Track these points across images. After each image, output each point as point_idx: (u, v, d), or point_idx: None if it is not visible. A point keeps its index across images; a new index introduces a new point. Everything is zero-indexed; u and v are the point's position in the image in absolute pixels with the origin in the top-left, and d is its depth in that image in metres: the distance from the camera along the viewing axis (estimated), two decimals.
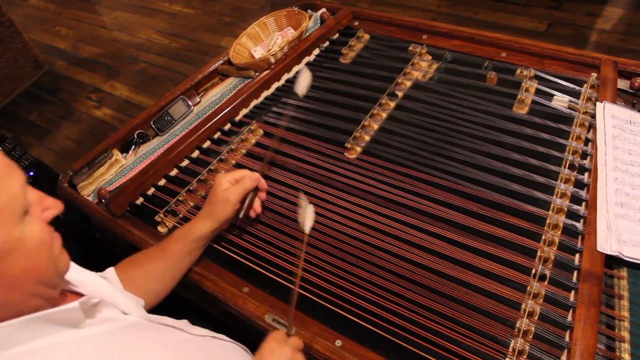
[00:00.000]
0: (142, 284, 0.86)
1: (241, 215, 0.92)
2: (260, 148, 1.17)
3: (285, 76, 1.36)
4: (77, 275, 0.68)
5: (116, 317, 0.67)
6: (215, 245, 0.97)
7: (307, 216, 0.87)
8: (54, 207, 0.59)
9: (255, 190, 0.95)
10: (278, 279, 0.90)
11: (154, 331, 0.69)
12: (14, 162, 0.55)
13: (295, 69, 1.37)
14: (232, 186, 0.91)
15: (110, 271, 0.86)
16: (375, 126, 1.14)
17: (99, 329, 0.62)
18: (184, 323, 0.77)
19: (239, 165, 1.14)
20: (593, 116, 1.02)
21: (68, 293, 0.67)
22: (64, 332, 0.58)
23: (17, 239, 0.52)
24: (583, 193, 0.91)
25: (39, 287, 0.56)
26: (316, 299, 0.85)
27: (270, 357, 0.73)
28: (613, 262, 0.82)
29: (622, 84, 1.08)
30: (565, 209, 0.90)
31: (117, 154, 1.25)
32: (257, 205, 0.96)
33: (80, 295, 0.66)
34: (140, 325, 0.69)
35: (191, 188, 1.10)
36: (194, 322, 0.78)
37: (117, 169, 1.23)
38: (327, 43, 1.43)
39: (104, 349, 0.60)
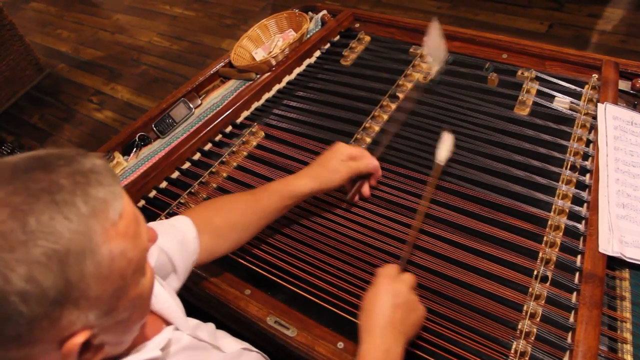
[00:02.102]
0: (224, 234, 0.83)
1: (349, 197, 0.91)
2: (261, 150, 1.17)
3: (287, 78, 1.36)
4: None
5: (176, 339, 0.65)
6: None
7: (445, 146, 0.87)
8: (153, 239, 0.57)
9: (368, 176, 0.93)
10: (280, 282, 0.90)
11: (203, 353, 0.68)
12: (137, 209, 0.52)
13: (297, 71, 1.37)
14: (349, 160, 0.88)
15: (183, 221, 0.81)
16: (377, 128, 1.14)
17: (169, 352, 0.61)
18: (212, 330, 0.75)
19: (240, 168, 1.14)
20: (594, 117, 1.02)
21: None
22: None
23: (139, 295, 0.51)
24: (585, 194, 0.91)
25: (140, 323, 0.56)
26: (318, 301, 0.85)
27: (386, 296, 0.69)
28: (615, 263, 0.82)
29: (624, 85, 1.09)
30: (567, 210, 0.90)
31: (118, 157, 1.26)
32: (366, 190, 0.94)
33: None
34: (194, 346, 0.67)
35: (193, 190, 1.10)
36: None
37: (119, 172, 1.23)
38: (328, 45, 1.43)
39: None
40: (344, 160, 0.88)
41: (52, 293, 0.42)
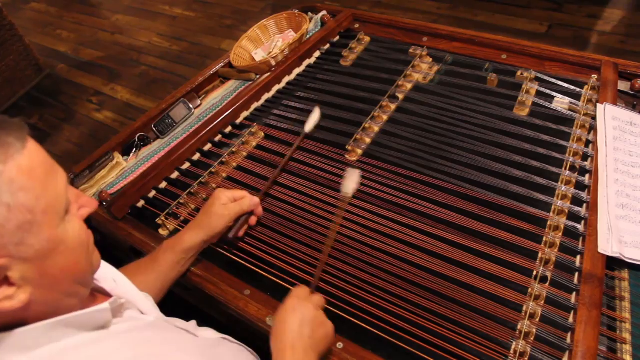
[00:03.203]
0: None
1: (231, 235, 0.93)
2: (261, 150, 1.17)
3: (286, 79, 1.36)
4: (100, 270, 0.68)
5: (137, 317, 0.67)
6: (216, 248, 0.97)
7: (350, 180, 0.90)
8: (90, 205, 0.60)
9: (250, 213, 0.96)
10: (279, 282, 0.90)
11: (171, 332, 0.69)
12: (55, 161, 0.56)
13: (296, 71, 1.37)
14: (230, 203, 0.91)
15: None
16: (376, 128, 1.14)
17: (123, 327, 0.62)
18: (193, 325, 0.77)
19: (240, 168, 1.14)
20: (594, 118, 1.02)
21: (94, 291, 0.67)
22: (93, 332, 0.59)
23: (59, 238, 0.54)
24: (584, 195, 0.91)
25: (75, 286, 0.58)
26: None
27: (293, 315, 0.72)
28: (614, 263, 0.82)
29: (623, 85, 1.09)
30: (566, 211, 0.90)
31: (118, 157, 1.25)
32: (244, 228, 0.96)
33: (103, 292, 0.67)
34: (159, 326, 0.69)
35: (192, 191, 1.10)
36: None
37: (118, 172, 1.23)
38: (327, 45, 1.43)
39: (130, 346, 0.60)
40: (225, 204, 0.90)
41: None
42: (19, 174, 0.50)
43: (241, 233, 0.96)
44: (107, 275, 0.70)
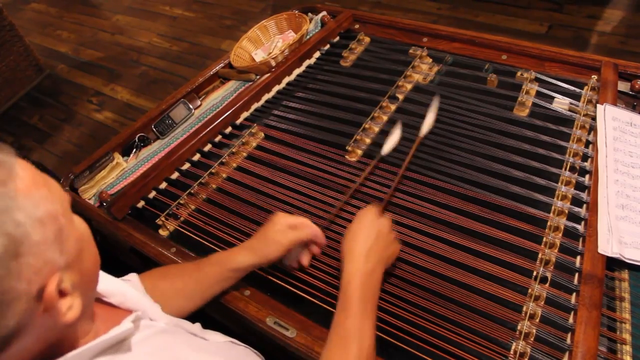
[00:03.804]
0: (169, 298, 0.83)
1: (286, 264, 0.90)
2: (260, 151, 1.17)
3: (286, 79, 1.36)
4: (106, 284, 0.67)
5: (150, 325, 0.66)
6: (217, 249, 0.97)
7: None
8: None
9: (309, 243, 0.90)
10: (280, 282, 0.90)
11: (184, 336, 0.69)
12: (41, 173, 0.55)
13: (296, 72, 1.37)
14: (288, 230, 0.85)
15: (133, 276, 0.83)
16: (376, 129, 1.14)
17: (140, 337, 0.62)
18: (198, 328, 0.76)
19: (240, 169, 1.14)
20: (594, 118, 1.02)
21: (107, 307, 0.66)
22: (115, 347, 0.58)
23: (80, 234, 0.54)
24: (584, 195, 0.91)
25: (95, 284, 0.59)
26: (318, 302, 0.86)
27: (372, 227, 0.78)
28: (614, 264, 0.82)
29: (623, 86, 1.09)
30: (566, 211, 0.90)
31: (118, 158, 1.26)
32: (305, 259, 0.90)
33: (111, 304, 0.67)
34: (172, 331, 0.68)
35: (192, 191, 1.10)
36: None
37: (119, 173, 1.23)
38: (327, 46, 1.43)
39: (152, 353, 0.60)
40: (283, 231, 0.84)
41: (1, 251, 0.43)
42: (31, 185, 0.49)
43: (305, 262, 0.89)
44: (114, 287, 0.69)
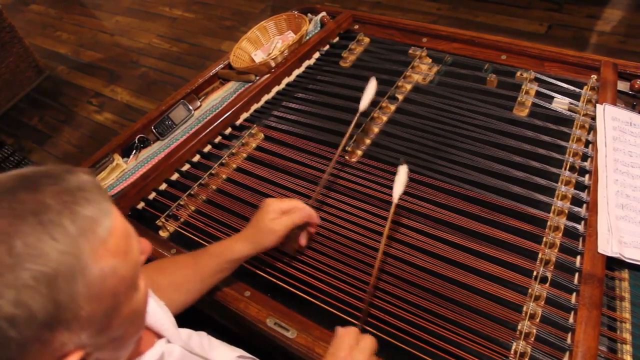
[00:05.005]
0: (168, 293, 0.81)
1: (288, 250, 0.90)
2: (260, 152, 1.18)
3: (286, 80, 1.36)
4: None
5: (170, 350, 0.65)
6: None
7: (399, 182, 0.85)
8: (147, 251, 0.56)
9: (305, 224, 0.89)
10: (280, 283, 0.90)
11: None
12: (128, 223, 0.51)
13: (296, 72, 1.38)
14: (281, 217, 0.84)
15: None
16: (376, 129, 1.15)
17: None
18: (205, 338, 0.75)
19: (239, 170, 1.14)
20: (593, 118, 1.02)
21: None
22: None
23: (133, 310, 0.51)
24: (584, 195, 0.91)
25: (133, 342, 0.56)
26: (318, 303, 0.86)
27: (349, 358, 0.67)
28: (614, 263, 0.82)
29: (622, 85, 1.09)
30: (566, 211, 0.90)
31: (118, 159, 1.26)
32: (303, 240, 0.90)
33: None
34: (187, 357, 0.67)
35: (192, 192, 1.10)
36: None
37: (118, 174, 1.23)
38: (327, 47, 1.43)
39: None
40: (276, 218, 0.84)
41: (41, 316, 0.41)
42: (112, 248, 0.45)
43: (303, 242, 0.90)
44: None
